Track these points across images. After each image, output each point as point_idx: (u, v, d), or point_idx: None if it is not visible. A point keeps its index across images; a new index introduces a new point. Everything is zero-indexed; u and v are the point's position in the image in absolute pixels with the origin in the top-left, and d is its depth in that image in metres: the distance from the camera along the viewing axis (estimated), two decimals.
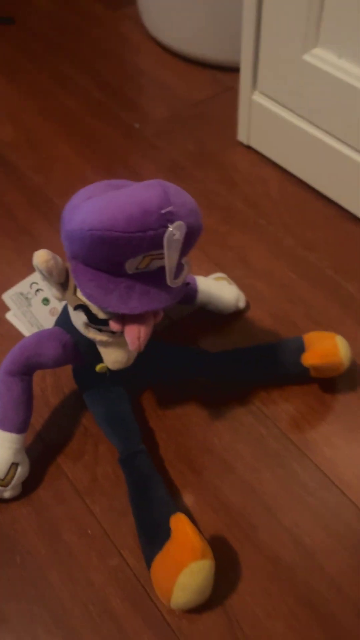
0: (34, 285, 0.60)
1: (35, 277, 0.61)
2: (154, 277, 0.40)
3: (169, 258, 0.37)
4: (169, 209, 0.36)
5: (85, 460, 0.52)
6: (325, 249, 0.68)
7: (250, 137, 0.78)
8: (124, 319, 0.42)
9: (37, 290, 0.60)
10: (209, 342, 0.60)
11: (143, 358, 0.50)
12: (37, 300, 0.60)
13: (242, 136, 0.79)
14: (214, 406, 0.55)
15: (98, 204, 0.37)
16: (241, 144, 0.80)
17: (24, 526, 0.49)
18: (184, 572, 0.40)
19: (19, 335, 0.59)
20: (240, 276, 0.65)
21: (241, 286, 0.63)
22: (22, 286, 0.60)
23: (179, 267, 0.40)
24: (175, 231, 0.36)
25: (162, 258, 0.38)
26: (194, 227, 0.38)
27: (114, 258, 0.38)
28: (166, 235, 0.36)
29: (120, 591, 0.45)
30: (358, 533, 0.48)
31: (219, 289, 0.60)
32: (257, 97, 0.73)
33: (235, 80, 0.79)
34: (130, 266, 0.39)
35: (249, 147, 0.80)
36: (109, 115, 0.86)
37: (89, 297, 0.40)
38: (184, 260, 0.41)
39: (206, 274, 0.63)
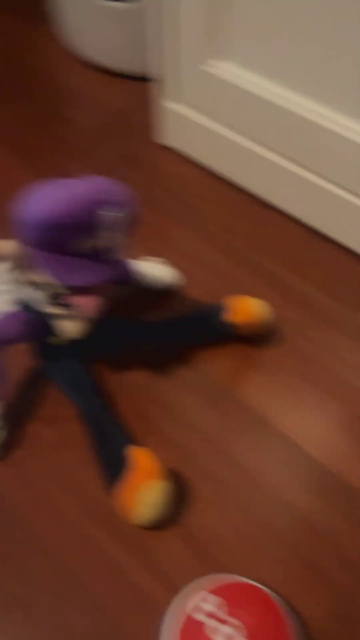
0: None
1: None
2: (98, 255, 0.49)
3: (108, 238, 0.47)
4: (106, 197, 0.45)
5: (53, 422, 0.61)
6: (243, 232, 0.79)
7: (168, 139, 0.89)
8: (77, 293, 0.51)
9: None
10: (150, 317, 0.70)
11: (94, 331, 0.59)
12: None
13: (161, 138, 0.90)
14: (158, 367, 0.65)
15: (47, 196, 0.46)
16: (162, 145, 0.91)
17: (6, 482, 0.57)
18: (143, 489, 0.50)
19: None
20: (171, 258, 0.75)
21: (173, 267, 0.73)
22: None
23: (117, 246, 0.50)
24: (111, 215, 0.46)
25: (103, 239, 0.47)
26: (129, 213, 0.48)
27: (63, 240, 0.47)
28: (104, 219, 0.45)
29: (93, 520, 0.54)
30: (282, 449, 0.59)
31: (151, 268, 0.70)
32: (168, 103, 0.84)
33: (152, 90, 0.89)
34: (77, 246, 0.48)
35: (168, 148, 0.90)
36: (39, 127, 0.94)
37: (45, 274, 0.49)
38: (121, 241, 0.50)
39: (143, 258, 0.72)
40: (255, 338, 0.67)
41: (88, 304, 0.51)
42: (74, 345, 0.60)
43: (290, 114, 0.69)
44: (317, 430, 0.61)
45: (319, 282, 0.73)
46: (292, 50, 0.66)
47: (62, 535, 0.54)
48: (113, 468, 0.53)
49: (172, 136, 0.88)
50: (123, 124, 0.95)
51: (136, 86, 1.01)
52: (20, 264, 0.51)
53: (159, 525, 0.53)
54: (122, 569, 0.52)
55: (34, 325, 0.57)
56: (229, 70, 0.74)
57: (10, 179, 0.86)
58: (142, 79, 1.01)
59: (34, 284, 0.52)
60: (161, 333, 0.65)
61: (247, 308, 0.63)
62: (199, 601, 0.45)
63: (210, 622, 0.44)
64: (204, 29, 0.71)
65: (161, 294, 0.71)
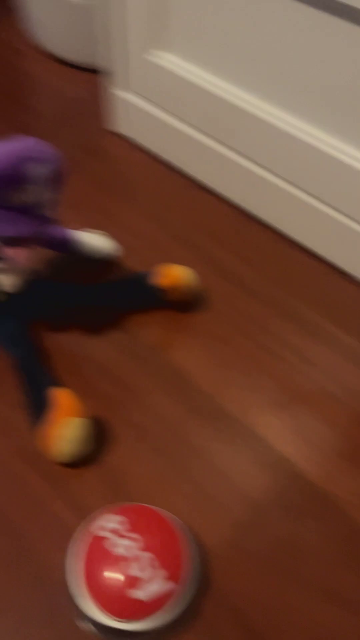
0: None
1: None
2: (32, 208, 0.54)
3: (36, 193, 0.52)
4: (33, 154, 0.50)
5: None
6: (181, 211, 0.85)
7: (118, 126, 0.94)
8: (8, 244, 0.56)
9: None
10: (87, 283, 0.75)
11: (35, 290, 0.64)
12: None
13: (111, 125, 0.95)
14: (93, 328, 0.70)
15: None
16: (112, 132, 0.96)
17: None
18: (61, 426, 0.55)
19: None
20: (115, 233, 0.80)
21: (116, 241, 0.79)
22: None
23: (44, 201, 0.55)
24: (40, 169, 0.51)
25: (31, 193, 0.52)
26: (56, 169, 0.53)
27: None
28: (31, 173, 0.51)
29: (20, 458, 0.59)
30: (200, 405, 0.64)
31: (90, 238, 0.75)
32: (120, 92, 0.90)
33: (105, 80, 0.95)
34: (11, 198, 0.53)
35: (118, 134, 0.96)
36: (2, 115, 0.99)
37: None
38: (48, 196, 0.55)
39: (83, 230, 0.77)
40: (183, 304, 0.72)
41: (19, 256, 0.55)
42: (15, 303, 0.65)
43: (223, 101, 0.76)
44: (233, 386, 0.66)
45: (246, 258, 0.79)
46: (224, 42, 0.72)
47: None
48: (38, 408, 0.58)
49: (120, 123, 0.94)
50: (78, 112, 1.00)
51: (91, 77, 1.07)
52: None
53: (80, 463, 0.58)
54: (42, 500, 0.56)
55: None
56: (169, 60, 0.80)
57: None
58: (97, 71, 1.07)
59: None
60: (95, 296, 0.70)
61: (174, 274, 0.69)
62: (103, 521, 0.50)
63: (112, 537, 0.48)
64: (147, 21, 0.77)
65: (99, 263, 0.76)
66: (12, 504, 0.56)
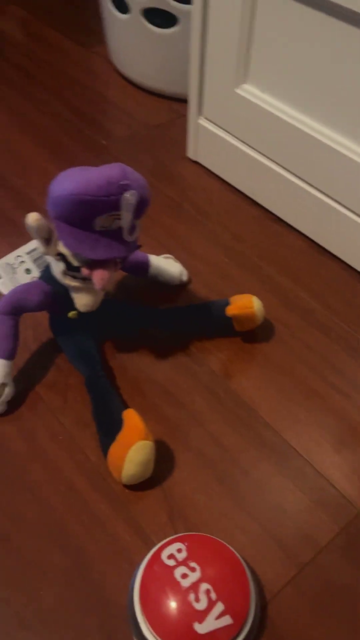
0: (18, 257, 0.75)
1: (19, 251, 0.76)
2: (115, 234, 0.56)
3: (125, 218, 0.54)
4: (126, 181, 0.52)
5: (58, 388, 0.67)
6: (251, 241, 0.86)
7: (197, 154, 0.96)
8: (92, 267, 0.57)
9: (21, 262, 0.75)
10: (158, 307, 0.76)
11: (107, 311, 0.66)
12: (21, 270, 0.75)
13: (190, 153, 0.97)
14: (159, 351, 0.71)
15: (76, 177, 0.53)
16: (189, 159, 0.98)
17: (8, 435, 0.63)
18: (132, 448, 0.55)
19: None
20: (184, 258, 0.82)
21: (185, 266, 0.80)
22: (9, 258, 0.75)
23: (133, 227, 0.56)
24: (130, 197, 0.52)
25: (120, 218, 0.54)
26: (143, 197, 0.55)
27: (87, 216, 0.53)
28: (123, 199, 0.52)
29: (83, 476, 0.60)
30: (261, 435, 0.64)
31: (167, 264, 0.76)
32: (202, 121, 0.92)
33: (187, 109, 0.97)
34: (98, 224, 0.55)
35: (195, 162, 0.98)
36: (79, 134, 1.03)
37: (67, 245, 0.56)
38: (136, 222, 0.57)
39: (156, 254, 0.79)
40: (249, 333, 0.72)
41: (97, 277, 0.57)
42: (87, 321, 0.66)
43: (301, 134, 0.76)
44: (295, 420, 0.65)
45: (315, 292, 0.79)
46: (304, 76, 0.73)
47: (53, 485, 0.59)
48: (106, 428, 0.59)
49: (200, 151, 0.96)
50: (156, 137, 1.03)
51: (173, 105, 1.10)
52: (47, 237, 0.58)
53: (142, 486, 0.59)
54: (103, 520, 0.57)
55: (53, 296, 0.64)
56: (250, 92, 0.81)
57: (49, 177, 0.94)
58: (178, 100, 1.10)
59: (57, 256, 0.58)
60: (163, 320, 0.71)
61: (243, 304, 0.69)
62: (165, 548, 0.50)
63: (174, 566, 0.48)
64: (234, 54, 0.79)
65: (169, 288, 0.78)
66: (73, 521, 0.57)
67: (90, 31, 1.30)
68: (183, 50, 1.01)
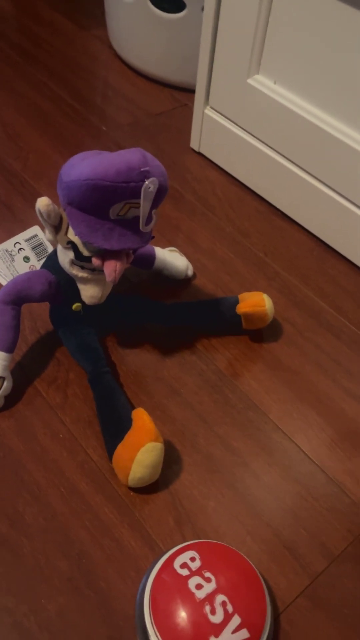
0: (17, 244, 0.72)
1: (18, 238, 0.72)
2: (130, 223, 0.53)
3: (143, 207, 0.51)
4: (147, 168, 0.49)
5: (58, 384, 0.64)
6: (257, 236, 0.83)
7: (201, 145, 0.93)
8: (104, 257, 0.54)
9: (20, 249, 0.72)
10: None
11: (111, 303, 0.63)
12: (19, 257, 0.71)
13: (195, 144, 0.94)
14: (165, 347, 0.68)
15: (93, 161, 0.49)
16: (193, 150, 0.95)
17: (5, 431, 0.59)
18: (142, 449, 0.53)
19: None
20: (189, 252, 0.79)
21: (189, 260, 0.77)
22: (7, 244, 0.71)
23: (150, 217, 0.53)
24: (150, 185, 0.49)
25: (138, 207, 0.51)
26: (163, 185, 0.52)
27: (102, 203, 0.50)
28: (143, 187, 0.49)
29: (86, 477, 0.57)
30: (271, 439, 0.62)
31: (172, 258, 0.73)
32: (208, 111, 0.89)
33: (189, 99, 0.95)
34: (114, 212, 0.51)
35: (199, 154, 0.95)
36: (79, 118, 0.99)
37: (79, 234, 0.52)
38: (153, 212, 0.54)
39: (162, 247, 0.76)
40: (257, 332, 0.70)
41: (107, 268, 0.54)
42: (89, 314, 0.63)
43: (318, 130, 0.74)
44: (305, 422, 0.63)
45: (322, 291, 0.77)
46: (323, 72, 0.70)
47: (54, 486, 0.56)
48: (114, 432, 0.56)
49: (205, 143, 0.93)
50: (158, 126, 1.00)
51: (175, 94, 1.07)
52: (56, 224, 0.54)
53: (148, 489, 0.56)
54: (107, 525, 0.54)
55: (57, 287, 0.60)
56: (261, 82, 0.79)
57: (47, 161, 0.90)
58: (181, 89, 1.07)
59: (66, 244, 0.55)
60: (169, 314, 0.68)
61: (256, 301, 0.66)
62: (177, 557, 0.47)
63: (186, 575, 0.46)
64: (247, 45, 0.76)
65: (174, 282, 0.75)
66: (76, 525, 0.54)
67: (89, 13, 1.25)
68: (189, 37, 0.97)
